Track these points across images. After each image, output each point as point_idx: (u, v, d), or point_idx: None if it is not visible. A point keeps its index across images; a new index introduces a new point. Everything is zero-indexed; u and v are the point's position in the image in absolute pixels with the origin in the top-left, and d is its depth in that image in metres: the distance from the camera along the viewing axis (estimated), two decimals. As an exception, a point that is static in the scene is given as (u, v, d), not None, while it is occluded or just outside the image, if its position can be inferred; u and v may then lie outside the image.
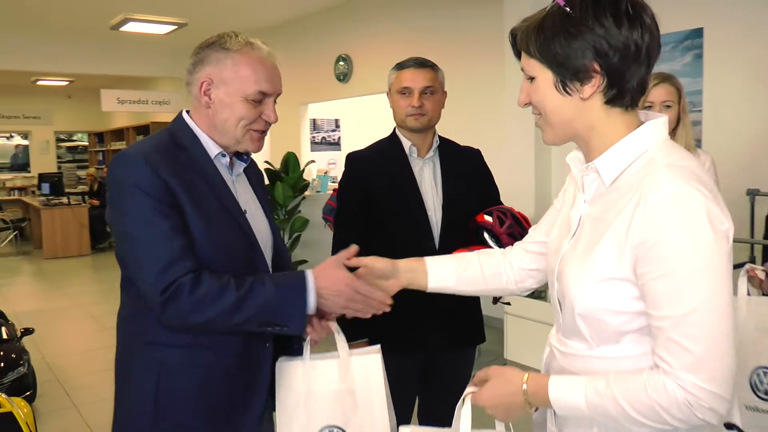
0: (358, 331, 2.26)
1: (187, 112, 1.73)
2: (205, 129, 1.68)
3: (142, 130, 12.27)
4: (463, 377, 2.35)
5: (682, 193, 1.08)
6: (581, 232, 1.26)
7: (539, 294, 4.59)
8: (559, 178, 5.32)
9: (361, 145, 2.55)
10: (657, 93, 2.80)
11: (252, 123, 1.65)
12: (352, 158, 2.48)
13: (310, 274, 1.58)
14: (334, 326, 1.66)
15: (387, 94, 2.47)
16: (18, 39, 8.94)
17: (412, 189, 2.35)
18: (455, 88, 6.57)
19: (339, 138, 9.59)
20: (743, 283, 2.08)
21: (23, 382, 4.24)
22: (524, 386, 1.24)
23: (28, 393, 4.27)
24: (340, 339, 1.64)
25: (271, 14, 8.10)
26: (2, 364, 4.20)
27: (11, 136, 15.56)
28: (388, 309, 1.65)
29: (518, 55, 1.28)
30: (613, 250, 1.15)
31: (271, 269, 1.79)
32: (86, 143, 15.80)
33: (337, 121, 10.20)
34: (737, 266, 3.80)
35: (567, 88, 1.19)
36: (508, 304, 2.59)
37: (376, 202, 2.35)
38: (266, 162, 6.26)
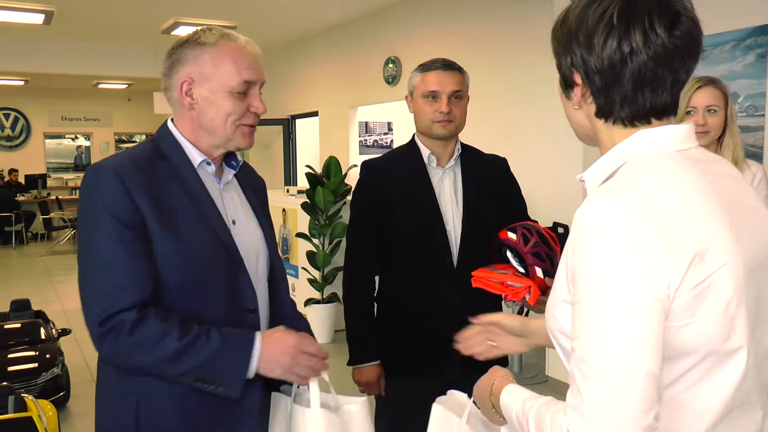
0: (370, 353, 2.19)
1: (172, 120, 1.64)
2: (189, 135, 1.61)
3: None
4: None
5: (600, 211, 0.94)
6: None
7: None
8: (609, 185, 5.07)
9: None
10: (700, 96, 2.58)
11: (241, 117, 1.58)
12: (367, 166, 2.33)
13: (258, 338, 1.50)
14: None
15: (407, 97, 2.31)
16: (80, 44, 9.20)
17: (430, 201, 2.20)
18: (502, 89, 6.43)
19: (392, 141, 9.51)
20: None
21: (57, 383, 4.27)
22: (492, 386, 1.23)
23: (62, 394, 4.29)
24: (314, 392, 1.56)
25: (319, 17, 8.05)
26: (36, 365, 4.24)
27: (75, 137, 16.05)
28: (327, 368, 1.59)
29: None
30: (563, 271, 1.04)
31: (266, 283, 1.69)
32: (145, 145, 16.18)
33: (389, 123, 10.13)
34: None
35: (566, 92, 1.14)
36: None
37: (391, 214, 2.22)
38: (307, 166, 6.19)
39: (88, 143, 15.77)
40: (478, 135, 5.93)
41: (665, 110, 1.05)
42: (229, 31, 1.61)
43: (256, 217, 1.71)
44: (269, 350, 1.49)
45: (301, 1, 7.20)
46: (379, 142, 10.19)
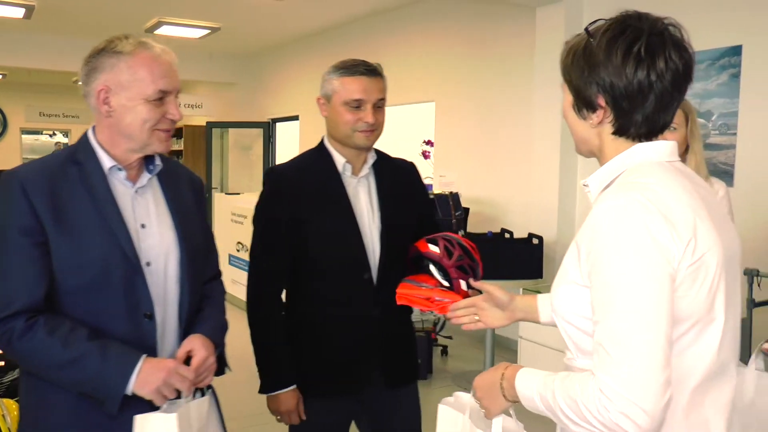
0: (286, 377, 2.04)
1: (94, 127, 1.70)
2: (105, 140, 1.67)
3: (176, 132, 12.31)
4: (412, 414, 2.19)
5: (619, 205, 1.13)
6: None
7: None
8: (584, 201, 5.12)
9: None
10: None
11: (157, 123, 1.64)
12: (274, 174, 2.11)
13: (141, 362, 1.57)
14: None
15: (319, 100, 2.09)
16: (59, 40, 9.08)
17: (347, 213, 2.04)
18: (485, 102, 6.48)
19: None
20: (758, 359, 1.90)
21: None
22: (503, 373, 1.31)
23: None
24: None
25: (304, 21, 8.07)
26: (3, 363, 4.16)
27: (53, 134, 15.88)
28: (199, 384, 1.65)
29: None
30: (573, 257, 1.22)
31: (179, 284, 1.72)
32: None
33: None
34: (762, 304, 3.58)
35: (581, 114, 1.29)
36: (450, 338, 2.34)
37: (303, 227, 2.03)
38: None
39: (66, 140, 15.60)
40: (454, 146, 5.99)
41: (665, 127, 1.26)
42: (145, 39, 1.65)
43: (172, 220, 1.74)
44: (145, 375, 1.57)
45: (286, 5, 7.21)
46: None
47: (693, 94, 3.61)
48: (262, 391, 2.07)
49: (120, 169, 1.67)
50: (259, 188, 2.13)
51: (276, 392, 2.05)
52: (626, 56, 1.19)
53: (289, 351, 2.06)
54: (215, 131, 10.52)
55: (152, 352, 1.65)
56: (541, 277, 4.45)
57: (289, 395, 2.04)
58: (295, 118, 9.37)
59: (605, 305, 1.11)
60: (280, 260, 2.06)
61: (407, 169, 2.25)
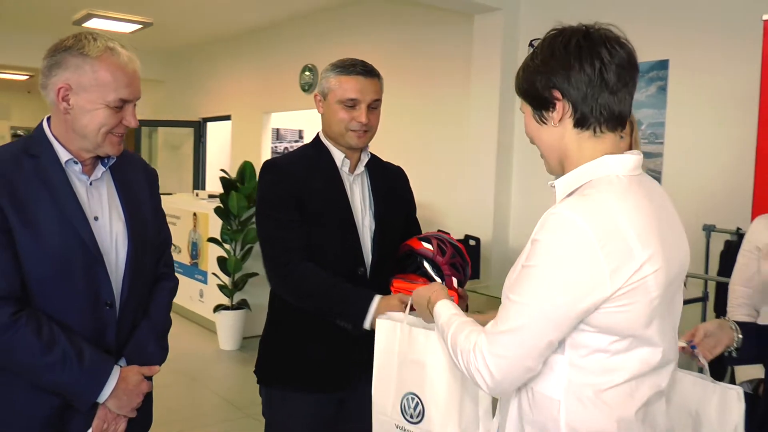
0: (364, 294, 1.94)
1: (48, 118, 1.71)
2: (61, 135, 1.69)
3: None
4: None
5: (565, 218, 1.21)
6: None
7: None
8: (519, 203, 5.26)
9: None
10: None
11: (112, 129, 1.67)
12: (272, 165, 2.10)
13: (116, 372, 1.69)
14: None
15: (316, 96, 2.12)
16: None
17: (345, 209, 2.07)
18: (421, 106, 6.56)
19: (303, 149, 9.48)
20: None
21: None
22: (430, 297, 1.59)
23: None
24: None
25: (237, 20, 7.97)
26: None
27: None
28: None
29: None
30: (528, 246, 1.31)
31: (130, 276, 1.75)
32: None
33: (300, 131, 10.10)
34: (691, 301, 3.77)
35: (542, 118, 1.35)
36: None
37: (306, 213, 2.02)
38: (222, 170, 6.10)
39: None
40: (391, 149, 6.03)
41: (623, 119, 1.32)
42: (113, 44, 1.67)
43: (123, 212, 1.77)
44: (124, 386, 1.70)
45: (220, 3, 7.11)
46: (290, 149, 10.15)
47: (624, 103, 3.79)
48: (359, 327, 1.91)
49: (76, 162, 1.69)
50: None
51: (369, 310, 1.90)
52: (566, 50, 1.28)
53: (343, 280, 1.97)
54: (144, 130, 10.24)
55: (110, 340, 1.73)
56: (478, 277, 4.55)
57: (383, 302, 1.89)
58: (227, 117, 9.24)
59: (516, 291, 1.25)
60: (301, 235, 1.99)
61: (397, 172, 2.33)
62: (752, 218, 2.59)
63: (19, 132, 15.28)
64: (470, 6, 5.13)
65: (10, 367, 1.62)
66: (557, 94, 1.30)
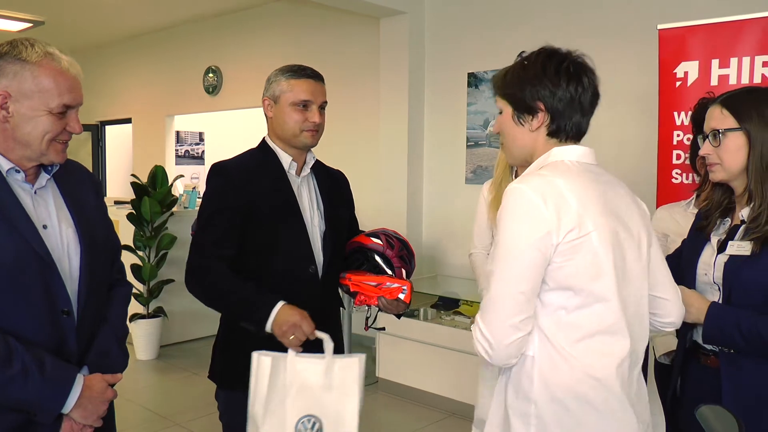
0: (268, 299, 1.99)
1: None
2: (13, 143, 1.64)
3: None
4: None
5: (516, 188, 1.46)
6: None
7: (412, 313, 4.67)
8: (431, 203, 5.46)
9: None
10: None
11: (57, 136, 1.64)
12: (222, 168, 2.14)
13: (80, 380, 1.65)
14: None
15: (265, 101, 2.18)
16: None
17: (293, 209, 2.14)
18: (334, 110, 6.58)
19: (203, 152, 9.32)
20: None
21: None
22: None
23: None
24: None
25: (136, 20, 7.76)
26: None
27: None
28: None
29: (495, 94, 1.66)
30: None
31: (81, 285, 1.73)
32: None
33: (201, 134, 9.92)
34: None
35: (521, 120, 1.59)
36: (383, 329, 2.56)
37: (253, 220, 2.08)
38: (132, 175, 5.96)
39: None
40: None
41: (584, 133, 1.61)
42: (52, 49, 1.64)
43: (72, 219, 1.75)
44: (86, 401, 1.66)
45: (117, 3, 6.91)
46: (191, 152, 9.93)
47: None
48: (258, 327, 1.96)
49: (18, 171, 1.65)
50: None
51: (271, 315, 1.95)
52: (557, 71, 1.53)
53: (253, 284, 2.02)
54: (35, 134, 9.77)
55: (71, 348, 1.69)
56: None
57: (285, 309, 1.95)
58: (128, 120, 8.98)
59: (493, 258, 1.48)
60: (227, 257, 2.05)
61: (339, 176, 2.43)
62: (656, 208, 2.86)
63: None
64: (376, 9, 5.21)
65: None
66: (541, 105, 1.54)
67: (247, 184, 2.10)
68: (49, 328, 1.64)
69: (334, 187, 2.32)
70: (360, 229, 2.41)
